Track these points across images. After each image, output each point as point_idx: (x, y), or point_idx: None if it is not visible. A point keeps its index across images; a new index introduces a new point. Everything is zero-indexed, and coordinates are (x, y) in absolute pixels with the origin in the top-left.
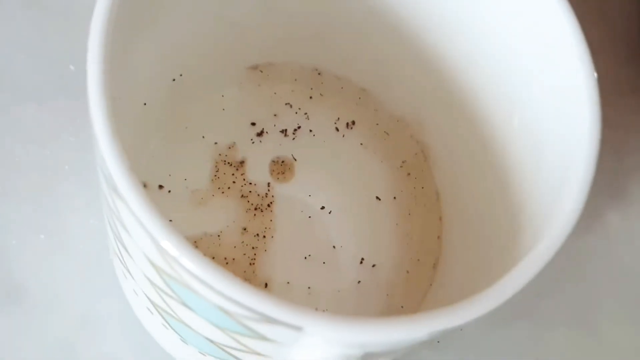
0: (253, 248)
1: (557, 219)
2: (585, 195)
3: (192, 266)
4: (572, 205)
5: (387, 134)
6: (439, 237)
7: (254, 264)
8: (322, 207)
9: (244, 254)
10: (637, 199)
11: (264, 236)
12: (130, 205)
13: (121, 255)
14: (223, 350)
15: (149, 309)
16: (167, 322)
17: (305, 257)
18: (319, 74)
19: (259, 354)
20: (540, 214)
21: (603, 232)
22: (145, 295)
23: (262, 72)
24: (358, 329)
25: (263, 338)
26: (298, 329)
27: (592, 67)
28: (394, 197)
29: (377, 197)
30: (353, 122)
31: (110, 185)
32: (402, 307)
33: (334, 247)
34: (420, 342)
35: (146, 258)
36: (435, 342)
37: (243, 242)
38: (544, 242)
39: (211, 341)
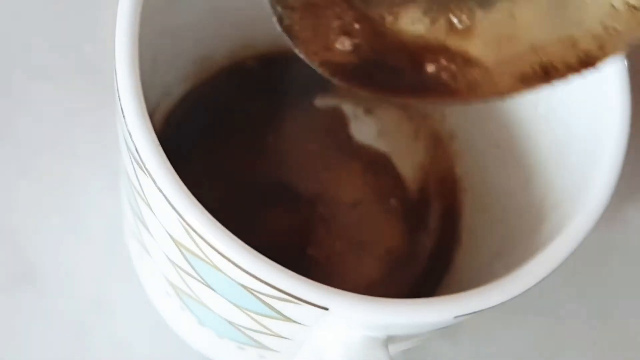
0: None
1: (582, 210)
2: (612, 188)
3: (218, 243)
4: (598, 198)
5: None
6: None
7: None
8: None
9: None
10: None
11: None
12: (157, 181)
13: (140, 234)
14: (242, 332)
15: (167, 292)
16: (185, 304)
17: None
18: None
19: (278, 335)
20: (565, 205)
21: (623, 226)
22: (165, 276)
23: None
24: (385, 310)
25: (286, 319)
26: (324, 309)
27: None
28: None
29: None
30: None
31: (135, 160)
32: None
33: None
34: (444, 326)
35: (169, 236)
36: (451, 332)
37: None
38: (568, 232)
39: (230, 323)
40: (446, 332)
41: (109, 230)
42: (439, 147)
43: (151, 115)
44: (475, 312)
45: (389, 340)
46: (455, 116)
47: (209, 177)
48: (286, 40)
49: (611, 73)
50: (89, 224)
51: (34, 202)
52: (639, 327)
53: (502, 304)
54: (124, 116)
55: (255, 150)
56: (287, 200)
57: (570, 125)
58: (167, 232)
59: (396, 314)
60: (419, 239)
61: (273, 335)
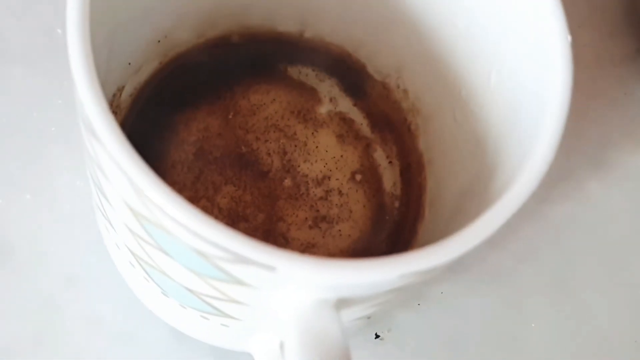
0: None
1: (527, 168)
2: (555, 146)
3: (165, 204)
4: (542, 155)
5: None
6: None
7: None
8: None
9: None
10: (616, 168)
11: None
12: (107, 146)
13: (103, 207)
14: (202, 300)
15: (130, 262)
16: (147, 273)
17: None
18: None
19: (236, 301)
20: (512, 169)
21: (583, 199)
22: (127, 246)
23: None
24: (328, 269)
25: (238, 282)
26: (271, 268)
27: (566, 26)
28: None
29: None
30: None
31: (89, 129)
32: None
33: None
34: (393, 287)
35: (125, 203)
36: (415, 304)
37: None
38: (512, 191)
39: (190, 290)
40: (412, 301)
41: (80, 208)
42: (403, 123)
43: (117, 93)
44: (419, 272)
45: (340, 303)
46: (417, 91)
47: (176, 151)
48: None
49: (556, 44)
50: (61, 202)
51: (5, 180)
52: (596, 297)
53: (446, 263)
54: (75, 84)
55: (222, 125)
56: (256, 172)
57: (518, 95)
58: (123, 199)
59: (340, 273)
60: (384, 213)
61: (230, 302)
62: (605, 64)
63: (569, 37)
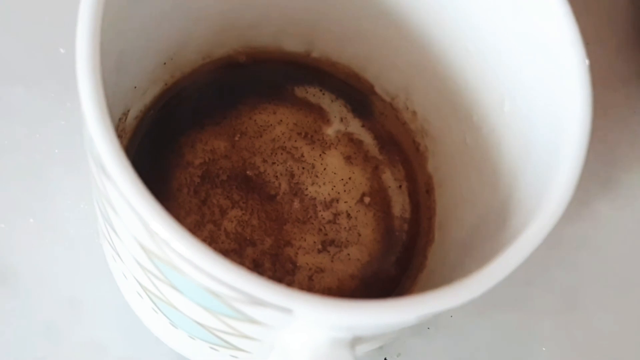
0: None
1: (547, 204)
2: (576, 181)
3: (180, 247)
4: (562, 192)
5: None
6: (430, 219)
7: None
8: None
9: None
10: (626, 188)
11: None
12: (119, 186)
13: (110, 239)
14: (212, 333)
15: (138, 293)
16: (156, 305)
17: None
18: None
19: (247, 337)
20: (530, 200)
21: (592, 220)
22: (135, 278)
23: None
24: (348, 312)
25: (252, 321)
26: (287, 311)
27: (583, 53)
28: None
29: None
30: None
31: (99, 166)
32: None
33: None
34: (408, 326)
35: (135, 240)
36: (425, 328)
37: None
38: (533, 228)
39: (200, 324)
40: (421, 326)
41: (84, 232)
42: (411, 144)
43: (123, 117)
44: (436, 313)
45: (355, 340)
46: (426, 113)
47: (182, 174)
48: None
49: (573, 70)
50: (64, 226)
51: (8, 203)
52: (608, 319)
53: (465, 303)
54: (86, 122)
55: (228, 147)
56: (263, 195)
57: (534, 122)
58: (133, 235)
59: (359, 315)
60: (393, 236)
61: (242, 337)
62: (613, 82)
63: (587, 61)
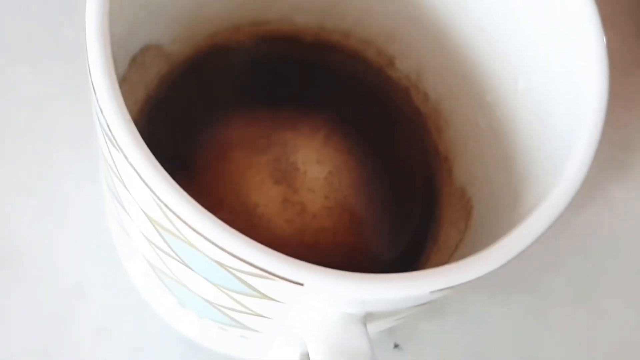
0: None
1: (560, 184)
2: (590, 160)
3: (190, 219)
4: (576, 170)
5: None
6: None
7: None
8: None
9: None
10: None
11: None
12: (128, 156)
13: (118, 215)
14: (221, 312)
15: (146, 272)
16: (164, 284)
17: None
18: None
19: (257, 314)
20: (545, 178)
21: (606, 206)
22: (143, 256)
23: None
24: (361, 286)
25: (263, 296)
26: (299, 284)
27: (601, 31)
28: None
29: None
30: None
31: (108, 137)
32: None
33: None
34: (422, 303)
35: (144, 213)
36: (436, 313)
37: None
38: (547, 205)
39: (209, 302)
40: (432, 311)
41: (89, 214)
42: (423, 125)
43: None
44: (451, 287)
45: (367, 317)
46: (438, 93)
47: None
48: None
49: (590, 51)
50: (70, 208)
51: (13, 186)
52: (622, 306)
53: (478, 278)
54: (94, 92)
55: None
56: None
57: (549, 103)
58: (142, 209)
59: (372, 289)
60: (408, 219)
61: (252, 314)
62: (629, 67)
63: (605, 39)
